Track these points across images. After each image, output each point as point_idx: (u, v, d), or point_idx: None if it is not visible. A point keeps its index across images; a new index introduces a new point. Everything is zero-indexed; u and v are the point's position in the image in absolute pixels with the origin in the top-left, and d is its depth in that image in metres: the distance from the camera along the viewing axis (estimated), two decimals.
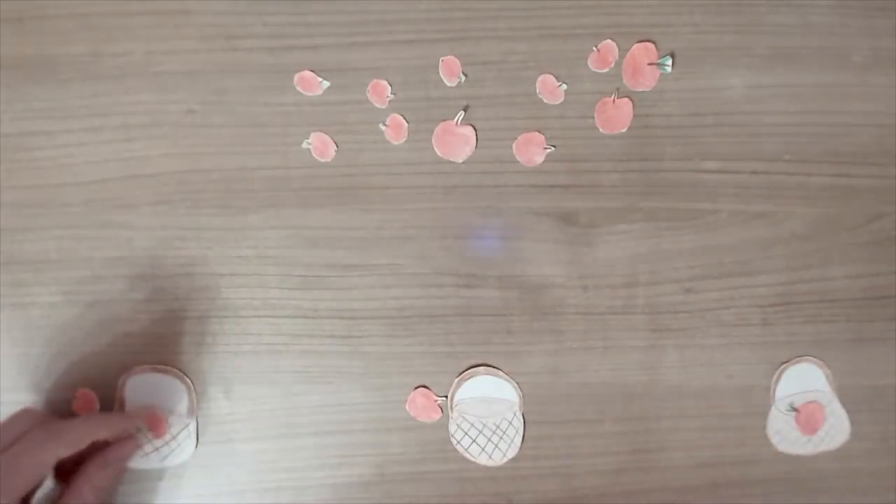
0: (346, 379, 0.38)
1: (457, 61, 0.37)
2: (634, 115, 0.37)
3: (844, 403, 0.39)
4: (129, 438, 0.36)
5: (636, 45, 0.36)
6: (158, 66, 0.36)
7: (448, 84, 0.37)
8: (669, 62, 0.36)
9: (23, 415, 0.33)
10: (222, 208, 0.37)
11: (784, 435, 0.39)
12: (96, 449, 0.34)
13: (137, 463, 0.37)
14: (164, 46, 0.36)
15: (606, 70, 0.37)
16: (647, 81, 0.36)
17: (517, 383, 0.38)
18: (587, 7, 0.37)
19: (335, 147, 0.37)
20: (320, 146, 0.37)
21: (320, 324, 0.38)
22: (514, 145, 0.37)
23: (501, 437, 0.38)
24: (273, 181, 0.37)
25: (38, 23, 0.36)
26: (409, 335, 0.38)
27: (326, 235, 0.37)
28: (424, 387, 0.38)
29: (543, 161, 0.37)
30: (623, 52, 0.37)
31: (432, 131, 0.37)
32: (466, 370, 0.38)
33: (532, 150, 0.37)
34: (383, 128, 0.37)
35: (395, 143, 0.37)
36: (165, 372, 0.37)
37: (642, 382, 0.39)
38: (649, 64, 0.37)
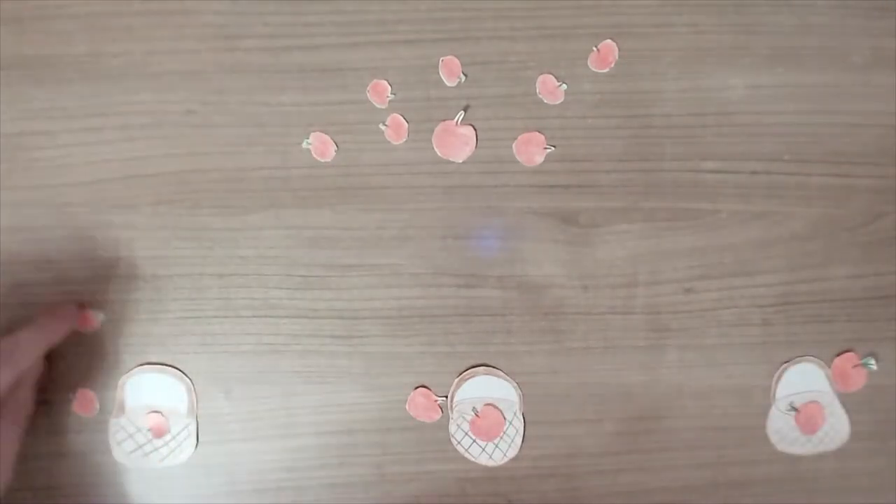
0: (346, 379, 0.38)
1: (457, 61, 0.37)
2: (634, 116, 0.37)
3: (844, 403, 0.39)
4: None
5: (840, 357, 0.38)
6: (158, 66, 0.36)
7: (448, 84, 0.37)
8: (873, 361, 0.38)
9: None
10: (222, 208, 0.37)
11: (784, 435, 0.39)
12: None
13: (137, 463, 0.37)
14: (164, 46, 0.36)
15: (606, 70, 0.37)
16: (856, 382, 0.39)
17: (517, 383, 0.38)
18: (587, 7, 0.37)
19: (335, 147, 0.37)
20: (320, 146, 0.37)
21: (320, 324, 0.38)
22: (514, 145, 0.37)
23: (501, 437, 0.38)
24: (273, 181, 0.37)
25: (38, 23, 0.36)
26: (409, 335, 0.38)
27: (326, 235, 0.37)
28: (424, 387, 0.38)
29: (543, 161, 0.37)
30: (623, 51, 0.37)
31: (432, 131, 0.37)
32: (466, 370, 0.38)
33: (532, 150, 0.37)
34: (383, 128, 0.37)
35: (395, 143, 0.37)
36: (165, 372, 0.37)
37: (642, 382, 0.39)
38: (854, 366, 0.39)
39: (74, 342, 0.37)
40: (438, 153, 0.37)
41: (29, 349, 0.32)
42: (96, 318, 0.37)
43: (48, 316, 0.35)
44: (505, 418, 0.38)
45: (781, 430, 0.39)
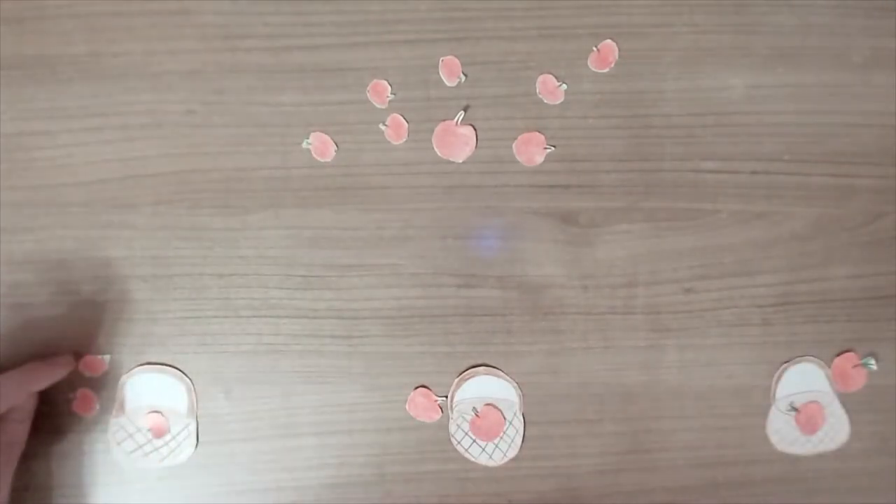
0: (346, 379, 0.38)
1: (457, 61, 0.37)
2: (634, 115, 0.37)
3: (844, 403, 0.39)
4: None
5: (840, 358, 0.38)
6: (158, 66, 0.36)
7: (448, 84, 0.37)
8: (873, 361, 0.38)
9: None
10: (222, 208, 0.37)
11: (784, 435, 0.39)
12: None
13: (137, 463, 0.37)
14: (164, 46, 0.36)
15: (606, 70, 0.37)
16: (856, 382, 0.39)
17: (517, 383, 0.38)
18: (587, 7, 0.37)
19: (335, 147, 0.37)
20: (320, 146, 0.37)
21: (320, 324, 0.38)
22: (514, 145, 0.37)
23: (501, 437, 0.38)
24: (273, 181, 0.37)
25: (38, 23, 0.36)
26: (409, 335, 0.38)
27: (326, 235, 0.37)
28: (424, 387, 0.38)
29: (543, 161, 0.37)
30: (623, 51, 0.37)
31: (432, 131, 0.37)
32: (466, 370, 0.38)
33: (532, 150, 0.37)
34: (383, 128, 0.37)
35: (395, 143, 0.37)
36: (165, 372, 0.37)
37: (642, 382, 0.39)
38: (854, 366, 0.38)
39: (74, 345, 0.37)
40: (438, 153, 0.37)
41: (10, 392, 0.33)
42: (104, 360, 0.37)
43: (39, 362, 0.35)
44: (505, 418, 0.38)
45: (781, 430, 0.39)
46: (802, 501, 0.39)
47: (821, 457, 0.39)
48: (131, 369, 0.37)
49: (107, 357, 0.37)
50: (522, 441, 0.38)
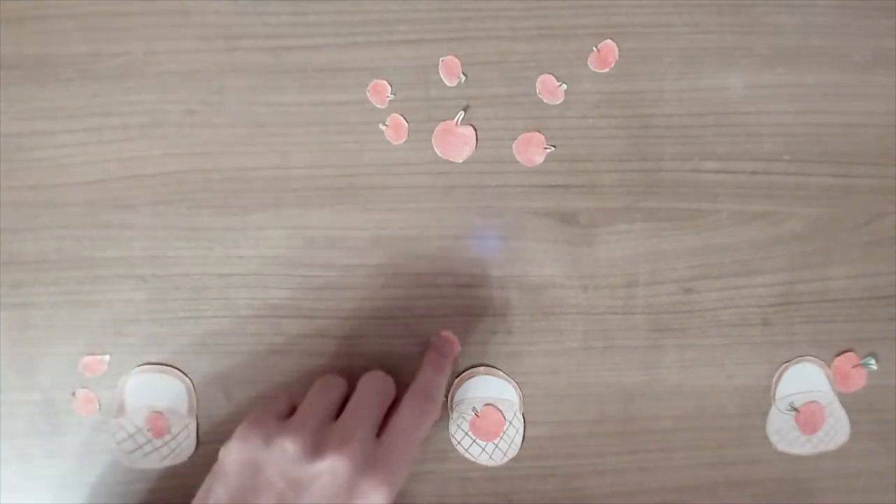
0: (346, 379, 0.38)
1: (457, 61, 0.37)
2: (634, 115, 0.37)
3: (844, 403, 0.39)
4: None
5: (838, 357, 0.38)
6: (158, 66, 0.36)
7: (448, 84, 0.37)
8: (873, 361, 0.38)
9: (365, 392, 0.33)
10: (222, 208, 0.37)
11: (784, 435, 0.39)
12: None
13: (137, 463, 0.37)
14: (164, 46, 0.36)
15: (606, 70, 0.37)
16: (857, 382, 0.39)
17: (517, 383, 0.38)
18: (587, 7, 0.37)
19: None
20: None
21: (320, 324, 0.38)
22: (514, 145, 0.37)
23: (501, 437, 0.38)
24: (273, 181, 0.37)
25: (38, 23, 0.36)
26: (409, 335, 0.38)
27: (326, 235, 0.37)
28: None
29: (543, 161, 0.37)
30: (623, 51, 0.37)
31: (432, 131, 0.37)
32: (466, 370, 0.38)
33: (532, 150, 0.37)
34: (383, 128, 0.37)
35: (395, 143, 0.37)
36: (165, 372, 0.37)
37: (642, 382, 0.39)
38: (854, 366, 0.38)
39: (74, 342, 0.37)
40: (438, 153, 0.37)
41: (442, 389, 0.35)
42: (104, 361, 0.37)
43: (437, 355, 0.36)
44: (505, 418, 0.38)
45: (781, 430, 0.39)
46: (802, 501, 0.39)
47: (821, 457, 0.39)
48: (131, 369, 0.37)
49: (106, 357, 0.37)
50: (522, 441, 0.38)
